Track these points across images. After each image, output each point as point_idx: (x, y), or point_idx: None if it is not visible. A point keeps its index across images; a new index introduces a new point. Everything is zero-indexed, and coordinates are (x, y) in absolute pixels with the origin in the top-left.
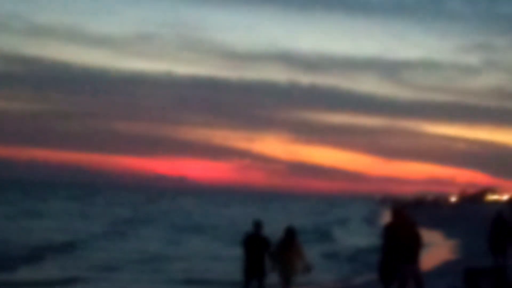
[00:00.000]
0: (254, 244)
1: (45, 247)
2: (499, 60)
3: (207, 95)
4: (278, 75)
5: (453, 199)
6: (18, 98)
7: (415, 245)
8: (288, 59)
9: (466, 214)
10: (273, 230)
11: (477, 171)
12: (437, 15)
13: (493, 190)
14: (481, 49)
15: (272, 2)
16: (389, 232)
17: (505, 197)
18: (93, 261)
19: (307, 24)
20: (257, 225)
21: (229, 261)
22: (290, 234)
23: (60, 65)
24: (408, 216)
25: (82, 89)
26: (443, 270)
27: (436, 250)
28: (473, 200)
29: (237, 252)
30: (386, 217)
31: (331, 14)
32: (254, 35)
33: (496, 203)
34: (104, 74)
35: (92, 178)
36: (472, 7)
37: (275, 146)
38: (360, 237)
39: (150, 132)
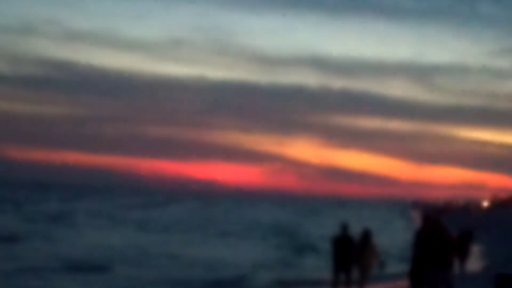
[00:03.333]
0: (342, 243)
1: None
2: None
3: (239, 99)
4: (309, 79)
5: (484, 203)
6: (53, 102)
7: (446, 252)
8: (319, 63)
9: (497, 219)
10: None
11: (508, 175)
12: (469, 19)
13: None
14: None
15: (303, 6)
16: (419, 238)
17: None
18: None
19: (339, 28)
20: (344, 227)
21: None
22: (366, 236)
23: (94, 69)
24: (439, 222)
25: (116, 93)
26: (473, 276)
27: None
28: (505, 205)
29: None
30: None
31: (363, 18)
32: (286, 40)
33: None
34: (137, 78)
35: (125, 182)
36: (504, 11)
37: (306, 150)
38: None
39: (182, 136)
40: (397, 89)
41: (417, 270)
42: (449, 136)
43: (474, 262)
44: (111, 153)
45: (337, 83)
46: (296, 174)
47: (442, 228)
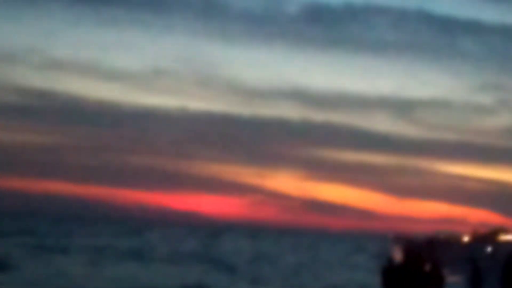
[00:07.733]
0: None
1: None
2: None
3: (220, 131)
4: (291, 112)
5: (465, 238)
6: (33, 130)
7: (429, 285)
8: (301, 96)
9: (477, 254)
10: None
11: (489, 210)
12: (450, 54)
13: (505, 230)
14: (494, 89)
15: (285, 39)
16: (398, 272)
17: None
18: None
19: (321, 61)
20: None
21: None
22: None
23: (75, 99)
24: (421, 256)
25: (97, 123)
26: None
27: None
28: (485, 239)
29: None
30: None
31: (345, 52)
32: (268, 72)
33: (508, 243)
34: (119, 109)
35: (105, 212)
36: (485, 47)
37: (287, 182)
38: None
39: (163, 167)
40: (379, 123)
41: None
42: (430, 171)
43: None
44: (91, 183)
45: (319, 116)
46: (277, 206)
47: (424, 261)
